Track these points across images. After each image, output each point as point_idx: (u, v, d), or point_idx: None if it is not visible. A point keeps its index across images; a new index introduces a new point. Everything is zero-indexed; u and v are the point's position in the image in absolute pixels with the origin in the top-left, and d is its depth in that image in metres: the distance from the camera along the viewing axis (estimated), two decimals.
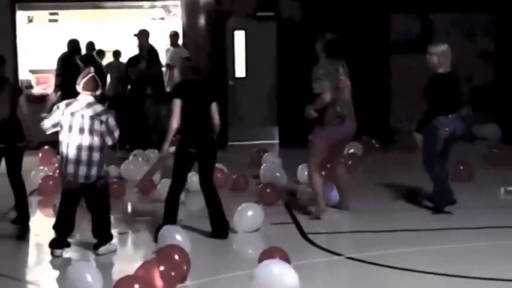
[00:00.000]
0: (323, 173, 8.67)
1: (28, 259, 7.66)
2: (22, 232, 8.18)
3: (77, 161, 7.01)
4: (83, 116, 7.01)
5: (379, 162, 11.85)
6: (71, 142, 7.02)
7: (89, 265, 6.00)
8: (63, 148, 7.07)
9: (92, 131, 7.00)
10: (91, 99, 7.09)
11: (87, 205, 7.29)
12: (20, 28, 15.30)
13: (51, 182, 9.99)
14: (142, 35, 13.43)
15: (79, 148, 7.00)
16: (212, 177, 7.81)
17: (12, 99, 8.12)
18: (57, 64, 13.31)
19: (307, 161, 8.65)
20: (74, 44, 13.40)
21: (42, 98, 14.57)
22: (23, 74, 15.34)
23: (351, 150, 11.87)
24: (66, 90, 12.95)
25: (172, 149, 7.71)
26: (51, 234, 7.45)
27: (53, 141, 8.01)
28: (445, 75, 8.40)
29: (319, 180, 8.44)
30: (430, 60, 8.42)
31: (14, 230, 8.15)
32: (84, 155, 7.00)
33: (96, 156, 7.03)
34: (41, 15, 15.52)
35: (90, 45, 14.14)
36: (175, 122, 7.52)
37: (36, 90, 15.35)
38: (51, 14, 15.53)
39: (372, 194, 9.72)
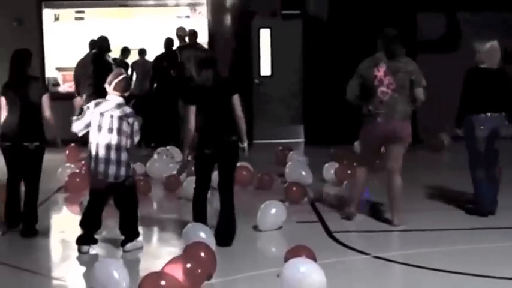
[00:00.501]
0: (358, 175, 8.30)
1: (53, 255, 7.69)
2: (27, 232, 7.95)
3: (107, 161, 7.03)
4: (112, 116, 7.03)
5: (406, 162, 11.75)
6: (100, 142, 7.05)
7: (115, 262, 6.00)
8: (93, 148, 7.10)
9: (120, 132, 7.02)
10: (120, 100, 7.11)
11: (115, 203, 7.31)
12: (46, 26, 15.41)
13: (77, 179, 10.03)
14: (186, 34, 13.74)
15: (108, 148, 7.02)
16: (231, 180, 7.54)
17: (33, 98, 7.91)
18: (81, 64, 13.30)
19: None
20: (103, 42, 13.45)
21: (69, 96, 14.72)
22: (50, 72, 15.46)
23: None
24: (101, 90, 13.07)
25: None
26: (77, 231, 7.47)
27: (79, 138, 7.89)
28: (482, 71, 8.18)
29: (357, 180, 8.21)
30: (475, 58, 8.24)
31: (39, 226, 8.15)
32: (113, 155, 7.02)
33: (124, 156, 7.06)
34: (67, 14, 15.62)
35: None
36: (191, 128, 7.37)
37: (63, 88, 15.47)
38: (77, 12, 15.63)
39: None
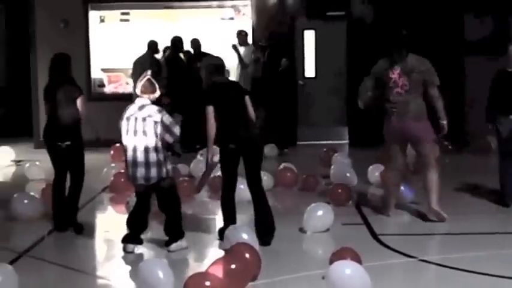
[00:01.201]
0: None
1: (98, 254, 7.74)
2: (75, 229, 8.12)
3: (134, 163, 7.06)
4: (136, 119, 7.05)
5: (452, 165, 11.62)
6: (129, 145, 7.10)
7: (161, 262, 6.00)
8: (125, 152, 7.17)
9: (145, 133, 7.01)
10: (145, 101, 7.10)
11: (158, 204, 7.33)
12: (92, 28, 15.56)
13: (122, 179, 10.04)
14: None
15: (135, 150, 7.05)
16: (260, 175, 7.55)
17: (68, 99, 8.02)
18: (139, 62, 13.39)
19: None
20: (177, 42, 13.57)
21: (114, 96, 14.86)
22: (95, 73, 15.60)
23: None
24: (178, 93, 13.18)
25: (217, 158, 7.60)
26: (122, 231, 7.52)
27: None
28: (508, 74, 8.39)
29: (389, 179, 8.28)
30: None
31: (85, 225, 8.22)
32: (140, 157, 7.03)
33: (152, 157, 7.03)
34: (112, 15, 15.73)
35: (196, 43, 14.17)
36: (212, 129, 7.39)
37: (108, 89, 15.61)
38: (122, 13, 15.72)
39: (444, 197, 9.53)
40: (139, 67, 14.09)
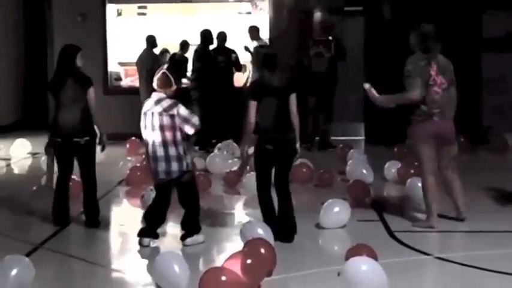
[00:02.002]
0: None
1: (114, 247, 7.77)
2: (90, 223, 8.07)
3: (155, 158, 7.06)
4: (152, 113, 7.05)
5: (470, 163, 11.56)
6: (148, 140, 7.11)
7: (176, 255, 6.00)
8: (146, 147, 7.20)
9: (162, 127, 7.00)
10: (161, 96, 7.08)
11: (179, 198, 7.31)
12: (109, 21, 15.58)
13: (138, 173, 10.10)
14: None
15: (154, 145, 7.06)
16: (288, 177, 7.52)
17: (77, 92, 7.86)
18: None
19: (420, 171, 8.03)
20: (207, 35, 13.56)
21: (130, 90, 14.88)
22: (112, 66, 15.62)
23: None
24: (206, 86, 13.21)
25: (251, 149, 7.59)
26: (138, 225, 7.53)
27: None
28: None
29: (431, 186, 7.83)
30: None
31: (100, 218, 8.23)
32: (160, 152, 7.03)
33: (172, 151, 7.02)
34: (129, 9, 15.74)
35: (222, 37, 14.07)
36: (251, 123, 7.33)
37: (125, 82, 15.63)
38: (139, 7, 15.72)
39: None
40: (139, 63, 14.18)
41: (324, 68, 13.58)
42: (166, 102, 7.06)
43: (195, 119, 7.11)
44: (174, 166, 7.05)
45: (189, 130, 7.09)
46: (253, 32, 14.12)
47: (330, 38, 13.71)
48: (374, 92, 8.01)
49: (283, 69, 7.58)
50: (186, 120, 7.04)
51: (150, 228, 7.27)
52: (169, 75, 7.13)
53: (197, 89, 13.35)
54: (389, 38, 13.67)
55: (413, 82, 7.70)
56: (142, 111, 7.16)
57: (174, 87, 7.16)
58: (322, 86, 13.51)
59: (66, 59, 7.99)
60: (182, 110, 7.04)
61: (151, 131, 7.06)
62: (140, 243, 7.22)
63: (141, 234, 7.26)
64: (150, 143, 7.09)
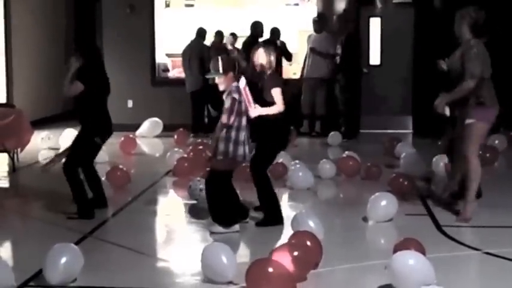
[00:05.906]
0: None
1: (159, 237, 7.82)
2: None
3: (236, 142, 7.13)
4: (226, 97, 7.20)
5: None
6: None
7: (223, 246, 6.00)
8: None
9: (229, 111, 7.08)
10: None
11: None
12: (157, 12, 15.66)
13: (186, 164, 10.14)
14: None
15: (232, 129, 7.14)
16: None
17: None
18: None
19: (464, 148, 7.69)
20: (258, 27, 13.61)
21: (178, 81, 14.94)
22: (160, 58, 15.71)
23: (496, 142, 11.63)
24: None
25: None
26: (183, 215, 7.53)
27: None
28: None
29: (478, 168, 7.65)
30: None
31: (142, 209, 8.28)
32: (234, 135, 7.11)
33: (242, 135, 7.14)
34: (177, 0, 15.81)
35: (275, 32, 14.13)
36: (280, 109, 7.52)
37: (172, 74, 15.71)
38: None
39: (509, 189, 9.37)
40: (188, 52, 14.23)
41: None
42: (232, 87, 7.15)
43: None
44: (247, 149, 7.20)
45: (252, 113, 7.26)
46: (317, 23, 14.16)
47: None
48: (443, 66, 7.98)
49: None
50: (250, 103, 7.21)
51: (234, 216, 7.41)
52: (230, 60, 7.35)
53: None
54: (440, 31, 13.48)
55: (477, 70, 7.53)
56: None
57: (231, 73, 7.19)
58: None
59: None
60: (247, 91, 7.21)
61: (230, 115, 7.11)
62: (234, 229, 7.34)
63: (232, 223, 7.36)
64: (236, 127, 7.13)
